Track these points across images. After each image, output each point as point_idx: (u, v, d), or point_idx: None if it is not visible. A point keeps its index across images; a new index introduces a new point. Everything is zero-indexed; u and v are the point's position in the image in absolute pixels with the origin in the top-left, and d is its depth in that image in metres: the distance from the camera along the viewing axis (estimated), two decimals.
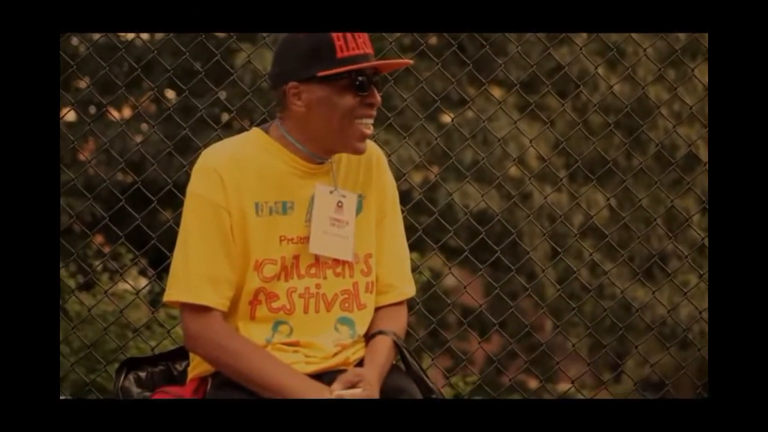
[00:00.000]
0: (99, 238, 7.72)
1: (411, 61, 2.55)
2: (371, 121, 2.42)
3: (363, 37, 2.41)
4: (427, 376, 2.61)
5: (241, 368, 2.36)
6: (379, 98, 2.42)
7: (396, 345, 2.54)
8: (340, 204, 2.46)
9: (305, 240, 2.44)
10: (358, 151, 2.44)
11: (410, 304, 2.68)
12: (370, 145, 2.58)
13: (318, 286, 2.46)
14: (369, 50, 2.41)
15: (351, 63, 2.35)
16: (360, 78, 2.37)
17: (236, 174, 2.39)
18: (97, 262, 6.23)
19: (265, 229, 2.41)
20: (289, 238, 2.43)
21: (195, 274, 2.38)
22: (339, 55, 2.35)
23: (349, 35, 2.38)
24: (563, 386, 8.61)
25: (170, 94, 9.70)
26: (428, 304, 6.38)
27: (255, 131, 2.52)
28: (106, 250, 7.29)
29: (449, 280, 7.54)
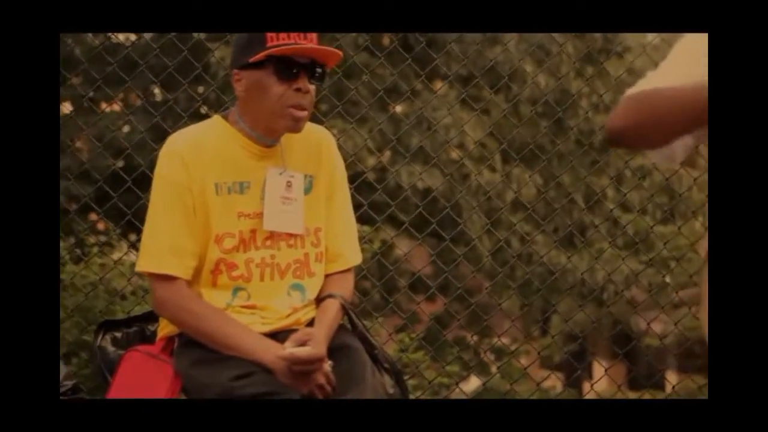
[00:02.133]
0: (94, 216, 7.67)
1: (339, 52, 2.46)
2: (304, 104, 2.39)
3: (302, 33, 2.38)
4: (369, 335, 2.62)
5: (204, 329, 2.36)
6: (307, 85, 2.39)
7: (343, 307, 2.54)
8: (289, 184, 2.45)
9: (261, 216, 2.43)
10: (294, 131, 2.43)
11: (364, 270, 2.65)
12: (320, 130, 2.61)
13: (273, 256, 2.45)
14: (302, 41, 2.37)
15: (275, 50, 2.34)
16: (287, 66, 2.36)
17: (197, 157, 2.39)
18: (91, 239, 6.27)
19: (224, 207, 2.40)
20: (246, 213, 2.42)
21: (161, 247, 2.39)
22: (268, 43, 2.34)
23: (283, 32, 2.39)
24: (498, 340, 8.70)
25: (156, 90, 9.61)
26: (382, 270, 6.36)
27: (215, 118, 2.52)
28: (100, 227, 7.27)
29: (401, 250, 7.57)
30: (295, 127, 2.41)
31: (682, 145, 2.15)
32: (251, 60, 2.36)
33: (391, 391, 2.55)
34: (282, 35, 2.35)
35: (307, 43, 2.38)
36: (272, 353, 2.29)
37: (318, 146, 2.55)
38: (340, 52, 2.47)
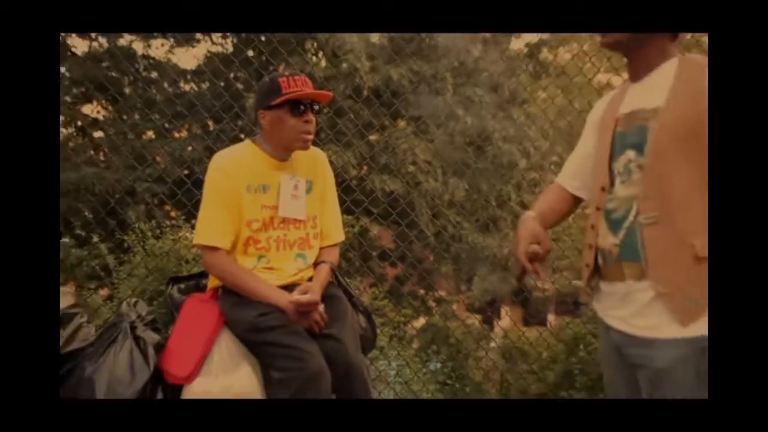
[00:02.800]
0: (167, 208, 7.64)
1: (330, 93, 2.47)
2: (310, 130, 2.39)
3: (302, 80, 2.38)
4: (350, 288, 2.62)
5: (238, 282, 2.34)
6: (312, 118, 2.40)
7: (331, 269, 2.53)
8: (296, 185, 2.44)
9: (277, 207, 2.41)
10: (304, 149, 2.43)
11: (347, 245, 2.66)
12: (317, 150, 2.57)
13: (285, 235, 2.43)
14: (306, 88, 2.37)
15: (289, 95, 2.34)
16: (297, 105, 2.35)
17: (234, 168, 2.37)
18: (166, 222, 6.28)
19: (252, 201, 2.38)
20: (267, 206, 2.40)
21: (209, 227, 2.36)
22: (283, 90, 2.34)
23: (292, 79, 2.36)
24: (440, 293, 8.74)
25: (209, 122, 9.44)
26: (360, 245, 6.36)
27: (247, 142, 2.49)
28: (172, 214, 7.26)
29: (373, 232, 7.58)
30: (305, 146, 2.41)
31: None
32: (272, 103, 2.35)
33: (363, 325, 2.57)
34: (291, 82, 2.34)
35: (309, 89, 2.37)
36: (284, 298, 2.29)
37: (315, 160, 2.53)
38: (332, 93, 2.49)
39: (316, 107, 2.42)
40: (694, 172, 1.62)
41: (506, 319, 6.82)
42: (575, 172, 2.04)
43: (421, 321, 8.29)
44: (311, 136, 2.40)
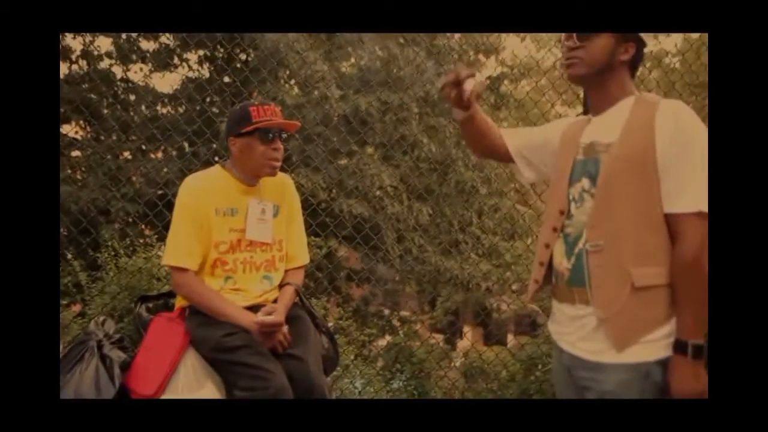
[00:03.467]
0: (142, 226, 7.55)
1: (299, 123, 2.47)
2: (278, 157, 2.39)
3: (272, 109, 2.38)
4: (314, 309, 2.61)
5: (205, 303, 2.33)
6: (280, 145, 2.40)
7: (296, 291, 2.52)
8: (263, 210, 2.43)
9: (244, 230, 2.40)
10: (272, 175, 2.42)
11: (314, 265, 2.65)
12: (284, 175, 2.56)
13: (251, 257, 2.42)
14: (276, 117, 2.37)
15: (259, 124, 2.33)
16: (266, 133, 2.35)
17: (204, 191, 2.36)
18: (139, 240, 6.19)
19: (220, 223, 2.37)
20: (235, 229, 2.39)
21: (178, 248, 2.34)
22: (254, 119, 2.34)
23: (262, 108, 2.36)
24: (404, 313, 8.72)
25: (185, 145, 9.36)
26: (328, 266, 6.33)
27: (217, 166, 2.48)
28: (147, 232, 7.17)
29: (341, 253, 7.56)
30: (273, 173, 2.40)
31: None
32: (242, 131, 2.34)
33: (326, 346, 2.55)
34: (261, 111, 2.34)
35: (279, 118, 2.37)
36: (249, 319, 2.27)
37: (282, 186, 2.52)
38: (299, 123, 2.49)
39: (285, 135, 2.43)
40: (639, 205, 1.66)
41: (467, 339, 6.81)
42: (521, 143, 2.05)
43: (386, 340, 8.26)
44: (279, 163, 2.40)
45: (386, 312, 8.53)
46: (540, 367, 4.67)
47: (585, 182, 1.76)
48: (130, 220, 7.28)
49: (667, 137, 1.62)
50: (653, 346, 1.64)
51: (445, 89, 1.86)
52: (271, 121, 2.35)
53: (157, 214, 4.06)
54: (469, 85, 1.80)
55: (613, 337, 1.66)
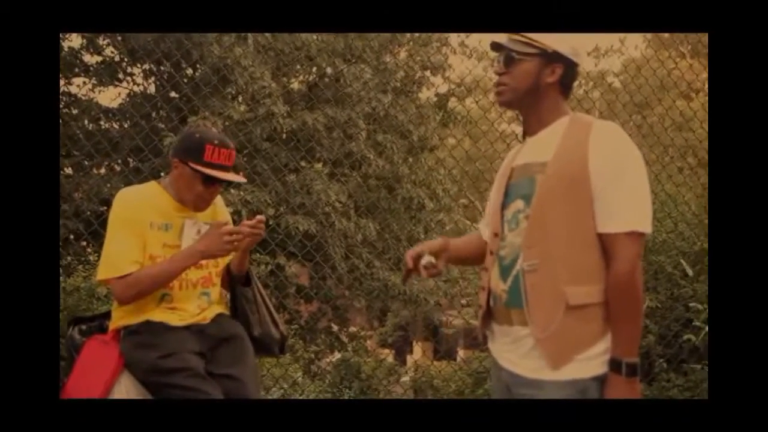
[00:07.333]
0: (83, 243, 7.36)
1: (244, 179, 2.45)
2: (212, 199, 2.37)
3: (227, 154, 2.30)
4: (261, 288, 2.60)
5: (160, 276, 2.25)
6: (219, 189, 2.37)
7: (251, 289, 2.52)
8: (198, 231, 2.37)
9: (179, 247, 2.33)
10: (197, 212, 2.38)
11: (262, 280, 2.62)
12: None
13: (187, 274, 2.35)
14: (228, 163, 2.32)
15: (209, 167, 2.27)
16: (210, 179, 2.29)
17: (139, 203, 2.30)
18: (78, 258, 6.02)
19: (155, 237, 2.30)
20: (169, 245, 2.32)
21: (120, 257, 2.24)
22: (206, 158, 2.27)
23: (218, 150, 2.28)
24: (353, 328, 8.69)
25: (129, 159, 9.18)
26: (276, 281, 6.27)
27: (152, 182, 2.42)
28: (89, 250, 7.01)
29: (289, 268, 7.49)
30: (200, 211, 2.38)
31: None
32: (189, 164, 2.28)
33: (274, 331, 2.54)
34: (216, 153, 2.28)
35: (231, 162, 2.32)
36: (190, 249, 2.25)
37: (214, 204, 2.45)
38: (245, 179, 2.44)
39: (226, 183, 2.39)
40: (573, 224, 1.66)
41: (417, 353, 6.81)
42: (488, 222, 2.05)
43: (336, 356, 8.21)
44: (210, 204, 2.38)
45: (335, 328, 8.47)
46: (489, 381, 4.69)
47: (519, 203, 1.76)
48: (71, 237, 7.07)
49: (600, 157, 1.64)
50: (589, 363, 1.64)
51: (409, 277, 1.97)
52: (218, 175, 2.29)
53: (96, 231, 3.93)
54: (423, 264, 1.88)
55: (547, 356, 1.66)
